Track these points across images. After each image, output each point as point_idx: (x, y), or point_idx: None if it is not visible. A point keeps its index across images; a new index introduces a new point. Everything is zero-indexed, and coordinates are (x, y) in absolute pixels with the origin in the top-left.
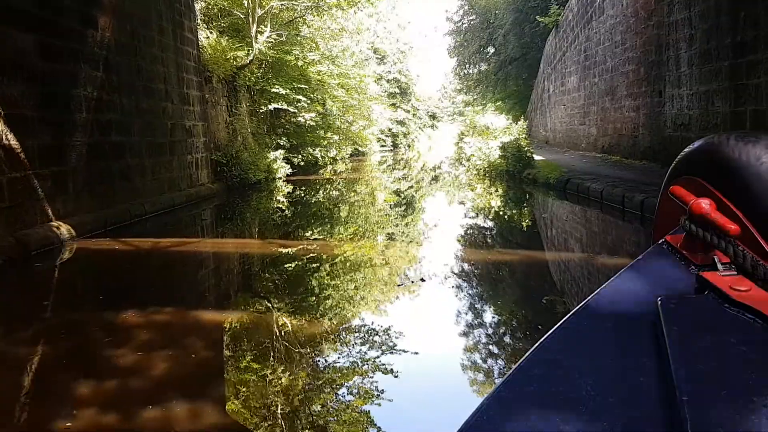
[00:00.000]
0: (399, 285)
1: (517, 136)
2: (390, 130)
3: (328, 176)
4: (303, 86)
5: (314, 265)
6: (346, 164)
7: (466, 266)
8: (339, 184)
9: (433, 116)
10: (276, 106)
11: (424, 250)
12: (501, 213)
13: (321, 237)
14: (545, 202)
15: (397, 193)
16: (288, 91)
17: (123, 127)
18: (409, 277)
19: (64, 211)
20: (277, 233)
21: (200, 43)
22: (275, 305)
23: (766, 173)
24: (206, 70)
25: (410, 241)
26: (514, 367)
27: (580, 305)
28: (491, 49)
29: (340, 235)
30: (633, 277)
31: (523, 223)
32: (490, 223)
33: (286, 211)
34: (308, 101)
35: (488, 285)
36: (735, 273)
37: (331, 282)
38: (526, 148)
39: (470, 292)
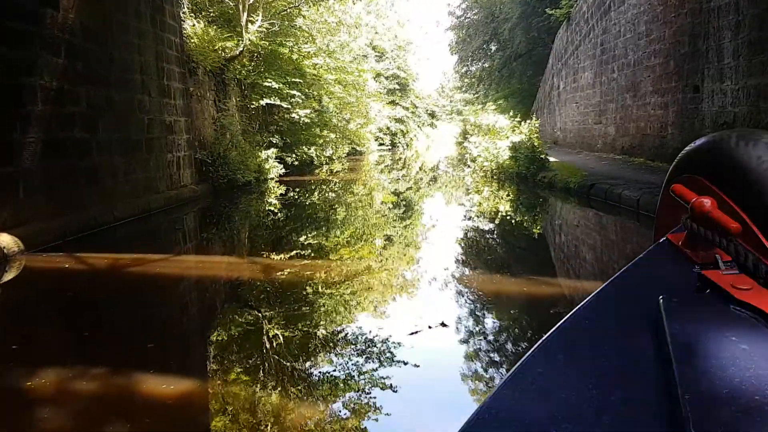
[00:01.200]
0: (413, 333)
1: (529, 136)
2: (388, 128)
3: (323, 177)
4: (297, 80)
5: (312, 312)
6: (342, 164)
7: (486, 304)
8: (335, 185)
9: (432, 114)
10: (268, 101)
11: (432, 275)
12: (518, 223)
13: (317, 254)
14: (568, 211)
15: (397, 194)
16: (281, 85)
17: (89, 122)
18: (423, 322)
19: (12, 220)
20: (265, 246)
21: (186, 32)
22: (259, 380)
23: (764, 169)
24: (191, 61)
25: (415, 262)
26: (515, 366)
27: (581, 304)
28: (494, 45)
29: (339, 253)
30: (634, 276)
31: (549, 239)
32: (507, 238)
33: (278, 214)
34: (303, 97)
35: (518, 339)
36: (737, 271)
37: (335, 346)
38: (539, 149)
39: (492, 340)
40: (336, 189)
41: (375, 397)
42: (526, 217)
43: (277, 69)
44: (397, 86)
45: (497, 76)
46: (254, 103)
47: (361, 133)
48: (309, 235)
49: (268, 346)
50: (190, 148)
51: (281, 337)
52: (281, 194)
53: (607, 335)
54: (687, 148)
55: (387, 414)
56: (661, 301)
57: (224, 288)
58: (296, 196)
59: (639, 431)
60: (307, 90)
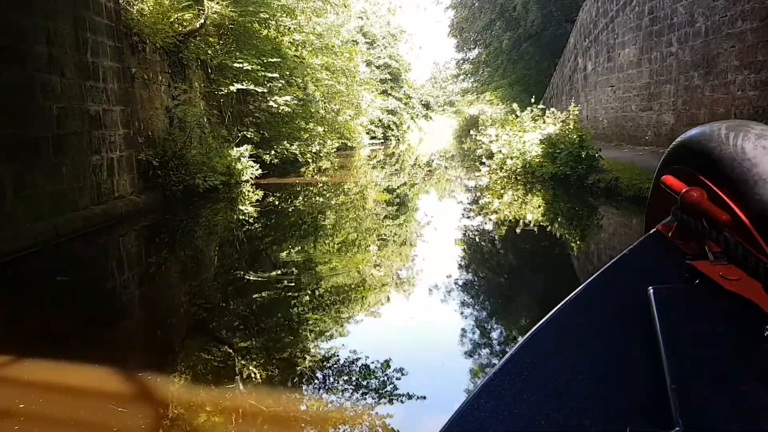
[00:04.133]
0: None
1: (570, 126)
2: (380, 120)
3: (309, 177)
4: (276, 60)
5: None
6: (331, 161)
7: None
8: (324, 188)
9: (427, 105)
10: (240, 86)
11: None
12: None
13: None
14: None
15: (396, 199)
16: (255, 66)
17: None
18: None
19: None
20: (231, 278)
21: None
22: None
23: (757, 163)
24: (133, 34)
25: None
26: (505, 356)
27: (571, 295)
28: (502, 24)
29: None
30: (624, 267)
31: None
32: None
33: (253, 226)
34: (283, 82)
35: None
36: (725, 262)
37: None
38: (588, 143)
39: None
40: (324, 193)
41: None
42: (595, 246)
43: (251, 49)
44: (389, 76)
45: (505, 59)
46: (223, 89)
47: (352, 125)
48: (291, 253)
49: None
50: (130, 146)
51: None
52: (257, 201)
53: (596, 326)
54: (677, 140)
55: None
56: (651, 291)
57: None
58: (276, 203)
59: (628, 422)
60: (288, 74)
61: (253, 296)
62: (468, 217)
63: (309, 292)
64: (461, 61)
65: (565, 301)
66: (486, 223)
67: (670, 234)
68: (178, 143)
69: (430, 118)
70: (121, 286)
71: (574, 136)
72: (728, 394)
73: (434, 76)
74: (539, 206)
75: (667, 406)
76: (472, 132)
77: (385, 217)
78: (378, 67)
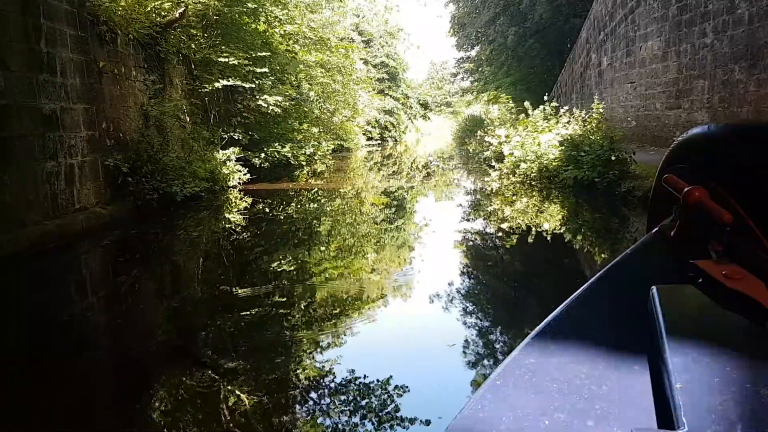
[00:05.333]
0: None
1: (593, 125)
2: (377, 121)
3: (303, 181)
4: (265, 54)
5: None
6: (326, 164)
7: None
8: (318, 194)
9: (425, 105)
10: (227, 83)
11: None
12: None
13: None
14: None
15: (398, 203)
16: (243, 61)
17: None
18: None
19: None
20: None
21: None
22: None
23: (759, 163)
24: (100, 23)
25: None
26: (508, 356)
27: (574, 295)
28: (505, 20)
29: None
30: (627, 266)
31: None
32: None
33: (240, 237)
34: (274, 78)
35: None
36: (728, 261)
37: None
38: (617, 145)
39: None
40: (319, 198)
41: None
42: None
43: (238, 42)
44: (386, 75)
45: (510, 56)
46: (207, 86)
47: (349, 126)
48: (282, 265)
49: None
50: (95, 150)
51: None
52: (245, 208)
53: (599, 324)
54: (679, 139)
55: None
56: (654, 290)
57: None
58: (266, 210)
59: (632, 421)
60: (279, 70)
61: (241, 314)
62: (483, 233)
63: (302, 307)
64: (461, 60)
65: (568, 300)
66: (508, 238)
67: (672, 233)
68: (155, 146)
69: (428, 118)
70: (76, 315)
71: (598, 137)
72: (733, 393)
73: (431, 76)
74: (566, 219)
75: (672, 405)
76: (479, 133)
77: (386, 229)
78: (375, 66)
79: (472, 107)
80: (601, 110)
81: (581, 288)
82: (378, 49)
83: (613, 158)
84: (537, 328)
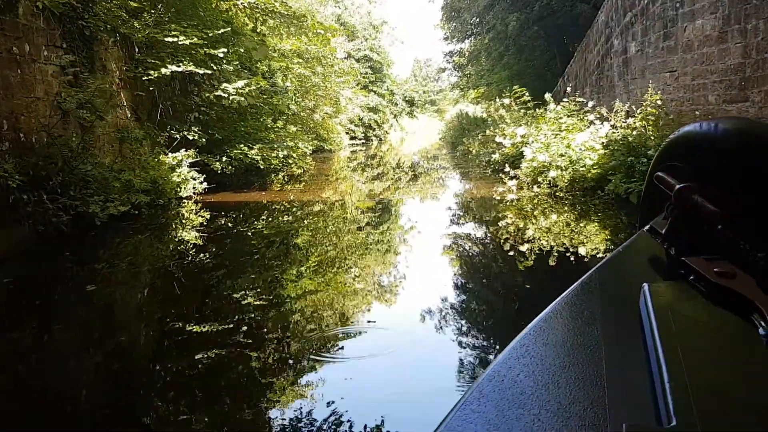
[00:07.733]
0: None
1: (649, 122)
2: (360, 119)
3: (277, 188)
4: (225, 31)
5: None
6: (304, 167)
7: None
8: (291, 205)
9: (411, 102)
10: (177, 68)
11: None
12: None
13: None
14: None
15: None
16: (198, 41)
17: None
18: None
19: None
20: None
21: None
22: None
23: (750, 159)
24: None
25: None
26: (495, 360)
27: (566, 292)
28: (502, 5)
29: None
30: (619, 263)
31: None
32: None
33: (189, 269)
34: (238, 65)
35: None
36: (718, 257)
37: None
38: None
39: None
40: (294, 210)
41: None
42: None
43: (192, 20)
44: (369, 70)
45: (511, 44)
46: (152, 72)
47: (330, 124)
48: (247, 295)
49: None
50: None
51: None
52: (202, 225)
53: (591, 322)
54: (670, 137)
55: None
56: (645, 288)
57: None
58: (229, 225)
59: (624, 418)
60: (244, 55)
61: (195, 357)
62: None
63: (272, 344)
64: (451, 53)
65: (559, 298)
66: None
67: (663, 230)
68: (75, 149)
69: (415, 116)
70: None
71: (652, 134)
72: (723, 389)
73: (414, 73)
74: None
75: (663, 402)
76: (488, 132)
77: (381, 258)
78: (358, 60)
79: (459, 105)
80: (658, 101)
81: (571, 286)
82: (362, 42)
83: None
84: (529, 325)
